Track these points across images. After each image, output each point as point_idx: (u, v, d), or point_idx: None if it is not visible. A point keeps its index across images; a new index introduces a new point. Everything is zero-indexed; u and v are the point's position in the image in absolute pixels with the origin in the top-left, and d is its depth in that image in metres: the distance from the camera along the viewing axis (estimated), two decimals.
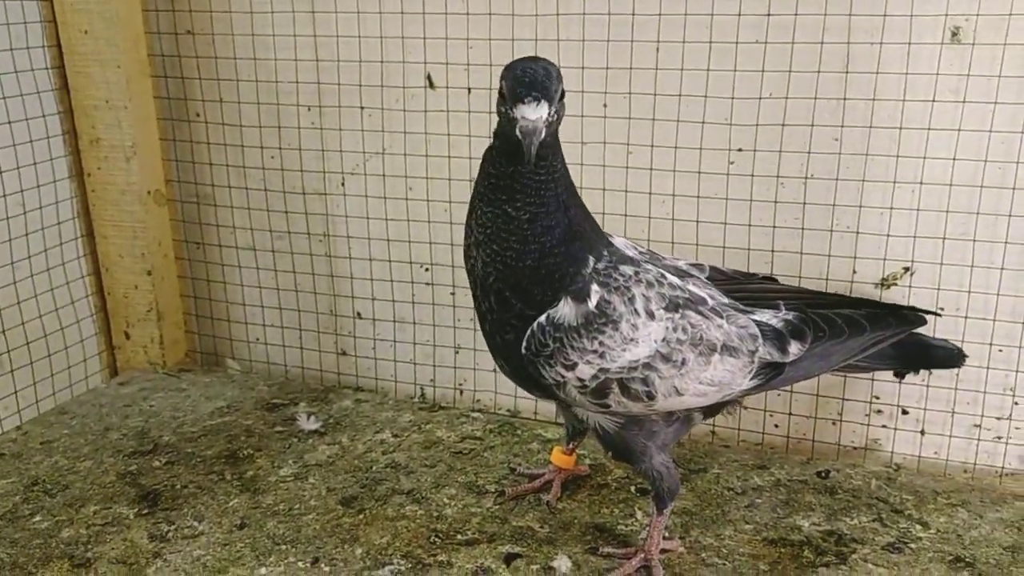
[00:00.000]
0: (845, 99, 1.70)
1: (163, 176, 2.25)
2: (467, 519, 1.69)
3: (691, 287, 1.46)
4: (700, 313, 1.42)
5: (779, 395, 1.92)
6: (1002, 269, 1.70)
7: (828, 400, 1.89)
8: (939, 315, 1.70)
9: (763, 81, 1.74)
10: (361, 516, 1.70)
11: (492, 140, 1.36)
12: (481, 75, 1.93)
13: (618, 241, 1.50)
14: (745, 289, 1.55)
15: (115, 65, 2.09)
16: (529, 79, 1.25)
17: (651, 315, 1.38)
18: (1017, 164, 1.64)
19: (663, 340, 1.38)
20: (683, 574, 1.53)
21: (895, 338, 1.56)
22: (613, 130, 1.88)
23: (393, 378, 2.22)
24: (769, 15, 1.71)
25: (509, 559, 1.57)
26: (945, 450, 1.83)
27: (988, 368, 1.76)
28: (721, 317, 1.43)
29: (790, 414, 1.92)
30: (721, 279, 1.56)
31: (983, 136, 1.65)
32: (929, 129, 1.67)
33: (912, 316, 1.58)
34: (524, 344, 1.37)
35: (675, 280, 1.45)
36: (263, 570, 1.55)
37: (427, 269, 2.13)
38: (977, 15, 1.59)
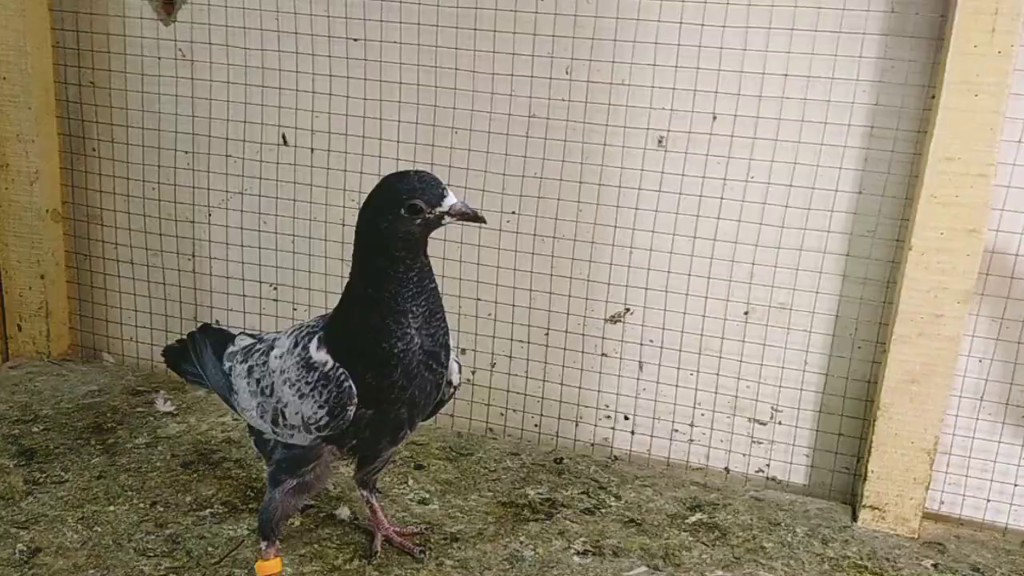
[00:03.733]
0: (581, 182, 2.31)
1: (60, 198, 2.72)
2: None
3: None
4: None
5: (538, 400, 2.50)
6: (685, 314, 2.32)
7: (571, 406, 2.48)
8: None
9: (526, 164, 2.34)
10: (195, 475, 2.20)
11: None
12: (321, 139, 2.49)
13: None
14: None
15: (27, 107, 2.57)
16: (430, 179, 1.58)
17: None
18: (695, 239, 2.27)
19: None
20: (433, 523, 2.08)
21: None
22: None
23: None
24: (530, 116, 2.31)
25: (304, 508, 2.09)
26: (650, 447, 2.44)
27: (678, 387, 2.38)
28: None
29: (542, 415, 2.50)
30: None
31: (672, 216, 2.27)
32: (637, 209, 2.29)
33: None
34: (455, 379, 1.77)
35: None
36: (112, 508, 2.04)
37: (274, 288, 2.65)
38: (668, 130, 2.23)
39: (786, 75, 2.13)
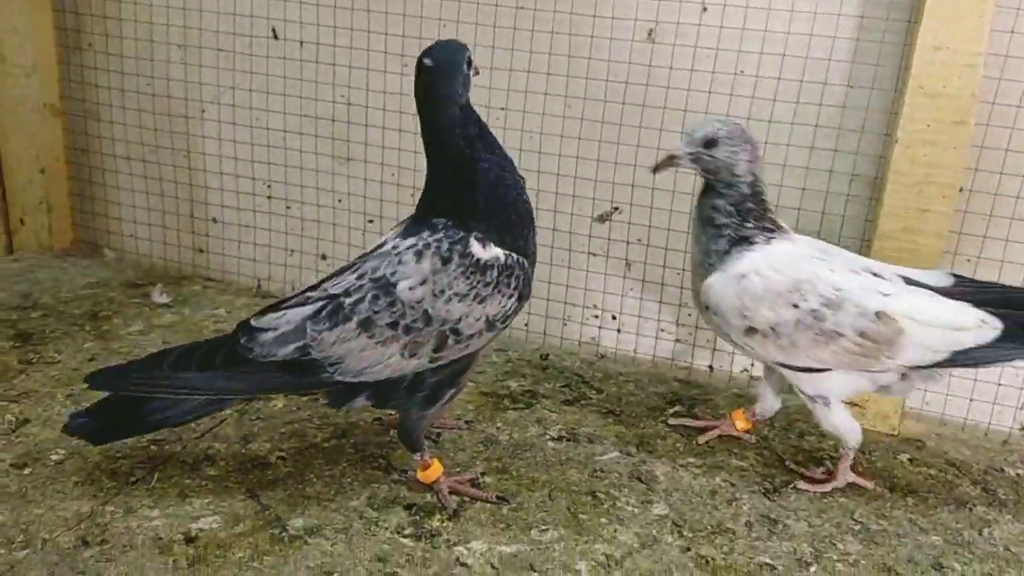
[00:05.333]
0: (568, 76, 2.28)
1: (58, 93, 2.75)
2: None
3: None
4: None
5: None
6: (671, 211, 2.31)
7: (559, 305, 2.49)
8: None
9: (513, 57, 2.31)
10: None
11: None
12: (310, 32, 2.47)
13: None
14: None
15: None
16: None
17: None
18: (682, 134, 2.23)
19: None
20: None
21: None
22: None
23: (237, 272, 2.77)
24: (518, 8, 2.27)
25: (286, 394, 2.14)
26: (636, 346, 2.45)
27: (664, 285, 2.38)
28: None
29: (529, 313, 2.51)
30: None
31: (659, 111, 2.24)
32: (624, 104, 2.26)
33: None
34: None
35: None
36: None
37: (268, 185, 2.67)
38: (657, 21, 2.18)
39: None
